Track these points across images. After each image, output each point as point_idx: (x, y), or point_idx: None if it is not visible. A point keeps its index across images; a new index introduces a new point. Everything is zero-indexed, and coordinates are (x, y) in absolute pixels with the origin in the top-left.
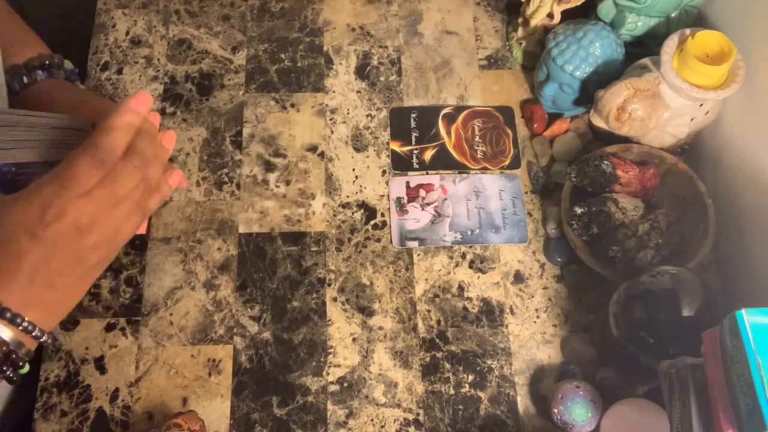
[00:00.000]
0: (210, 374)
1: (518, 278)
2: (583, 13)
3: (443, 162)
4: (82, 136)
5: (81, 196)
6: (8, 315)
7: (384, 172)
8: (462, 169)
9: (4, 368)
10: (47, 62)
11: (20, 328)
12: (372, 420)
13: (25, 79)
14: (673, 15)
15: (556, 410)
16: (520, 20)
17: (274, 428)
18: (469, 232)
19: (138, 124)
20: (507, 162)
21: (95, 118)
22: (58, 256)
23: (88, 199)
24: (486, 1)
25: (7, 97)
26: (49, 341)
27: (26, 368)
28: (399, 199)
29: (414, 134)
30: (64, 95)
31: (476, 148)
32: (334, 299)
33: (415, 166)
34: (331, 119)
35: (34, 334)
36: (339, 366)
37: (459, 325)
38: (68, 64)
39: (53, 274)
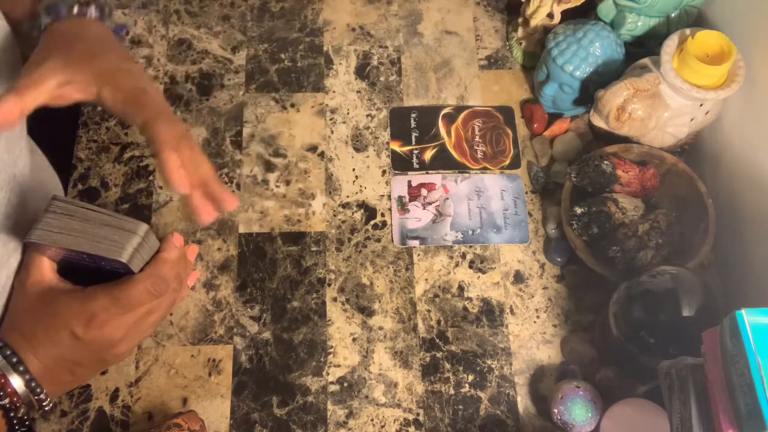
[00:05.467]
0: (210, 374)
1: (518, 278)
2: (583, 13)
3: (443, 162)
4: (126, 237)
5: (125, 314)
6: (33, 384)
7: (384, 172)
8: (462, 169)
9: (17, 426)
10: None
11: (36, 397)
12: (372, 420)
13: (76, 9)
14: (673, 15)
15: (556, 410)
16: (520, 20)
17: (274, 428)
18: (470, 232)
19: (184, 257)
20: (507, 162)
21: (140, 101)
22: (87, 356)
23: (129, 316)
24: (486, 1)
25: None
26: (49, 409)
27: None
28: (400, 198)
29: (414, 134)
30: (116, 55)
31: (476, 148)
32: (334, 299)
33: (415, 166)
34: (331, 119)
35: (44, 402)
36: (339, 366)
37: (459, 325)
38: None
39: (76, 366)
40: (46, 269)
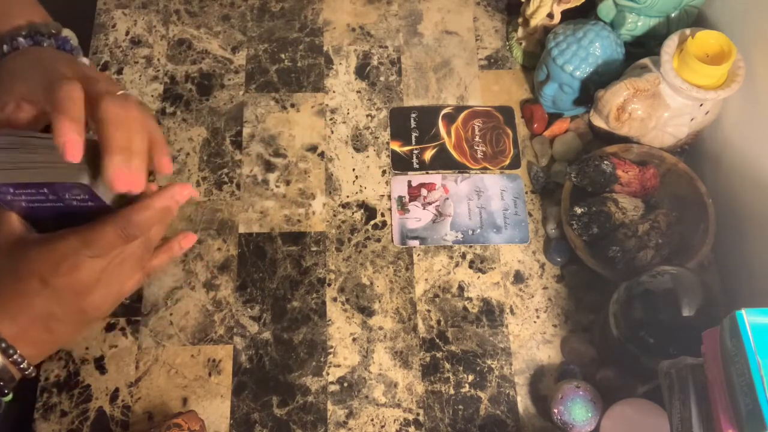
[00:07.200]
0: (210, 374)
1: (518, 278)
2: (583, 13)
3: (443, 162)
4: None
5: (96, 257)
6: (3, 345)
7: (384, 172)
8: (462, 169)
9: None
10: (37, 31)
11: (11, 360)
12: (372, 420)
13: (5, 48)
14: (673, 15)
15: (556, 410)
16: (520, 20)
17: (274, 428)
18: (470, 232)
19: (173, 211)
20: (507, 162)
21: (48, 79)
22: (61, 305)
23: (101, 261)
24: (486, 1)
25: None
26: (33, 374)
27: (10, 397)
28: (400, 197)
29: (414, 134)
30: (31, 57)
31: (476, 148)
32: (334, 299)
33: (415, 166)
34: (331, 119)
35: (21, 366)
36: (339, 366)
37: (459, 325)
38: (67, 33)
39: (52, 320)
40: (15, 223)
